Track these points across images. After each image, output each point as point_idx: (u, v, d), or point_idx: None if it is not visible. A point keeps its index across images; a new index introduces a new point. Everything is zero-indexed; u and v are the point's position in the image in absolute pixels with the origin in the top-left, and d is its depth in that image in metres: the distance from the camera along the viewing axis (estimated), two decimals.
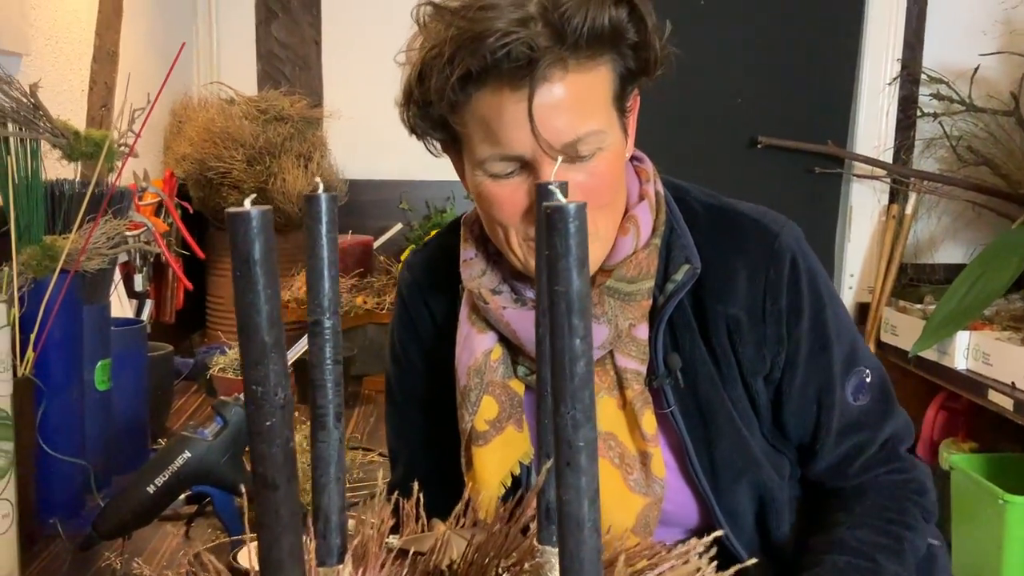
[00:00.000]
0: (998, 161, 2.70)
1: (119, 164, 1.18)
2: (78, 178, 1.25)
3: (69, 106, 1.67)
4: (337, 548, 0.62)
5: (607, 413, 0.96)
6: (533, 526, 0.64)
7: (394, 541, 0.69)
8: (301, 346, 1.26)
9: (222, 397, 1.16)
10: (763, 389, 0.98)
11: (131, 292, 1.83)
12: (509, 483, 0.98)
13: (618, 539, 0.71)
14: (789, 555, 1.00)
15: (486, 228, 0.96)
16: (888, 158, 2.84)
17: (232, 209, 0.43)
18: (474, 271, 0.99)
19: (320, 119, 2.54)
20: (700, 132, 2.82)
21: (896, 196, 2.86)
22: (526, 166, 0.87)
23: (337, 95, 2.63)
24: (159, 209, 1.97)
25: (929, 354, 2.41)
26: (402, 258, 1.89)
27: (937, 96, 2.77)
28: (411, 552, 0.66)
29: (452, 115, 0.88)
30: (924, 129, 2.85)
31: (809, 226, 3.17)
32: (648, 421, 0.95)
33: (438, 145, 0.95)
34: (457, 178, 0.97)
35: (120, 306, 1.72)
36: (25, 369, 1.10)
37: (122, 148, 1.16)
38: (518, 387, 0.99)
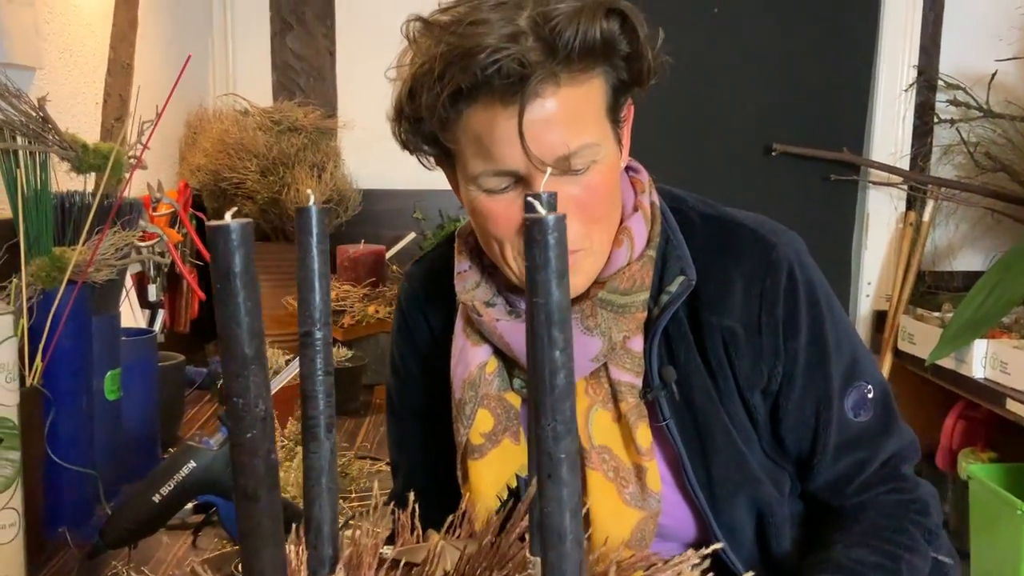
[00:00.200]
0: (1016, 167, 2.68)
1: (127, 176, 1.19)
2: (90, 190, 1.27)
3: (83, 119, 1.69)
4: (329, 559, 0.63)
5: (601, 426, 0.95)
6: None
7: (388, 551, 0.69)
8: (294, 368, 1.27)
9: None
10: (761, 403, 0.97)
11: (145, 302, 1.84)
12: (505, 496, 0.97)
13: (613, 551, 0.71)
14: (790, 572, 0.98)
15: (481, 241, 0.95)
16: (905, 165, 2.82)
17: (212, 222, 0.44)
18: (468, 283, 0.99)
19: (334, 129, 2.56)
20: (715, 140, 2.81)
21: (913, 203, 2.84)
22: (520, 181, 0.86)
23: (351, 105, 2.65)
24: (173, 220, 1.98)
25: (946, 362, 2.39)
26: None
27: (954, 102, 2.75)
28: (402, 563, 0.66)
29: (443, 132, 0.87)
30: (941, 135, 2.83)
31: (826, 234, 3.15)
32: (643, 434, 0.94)
33: (431, 159, 0.95)
34: None
35: (133, 316, 1.73)
36: (33, 379, 1.11)
37: (130, 160, 1.17)
38: (514, 400, 0.99)
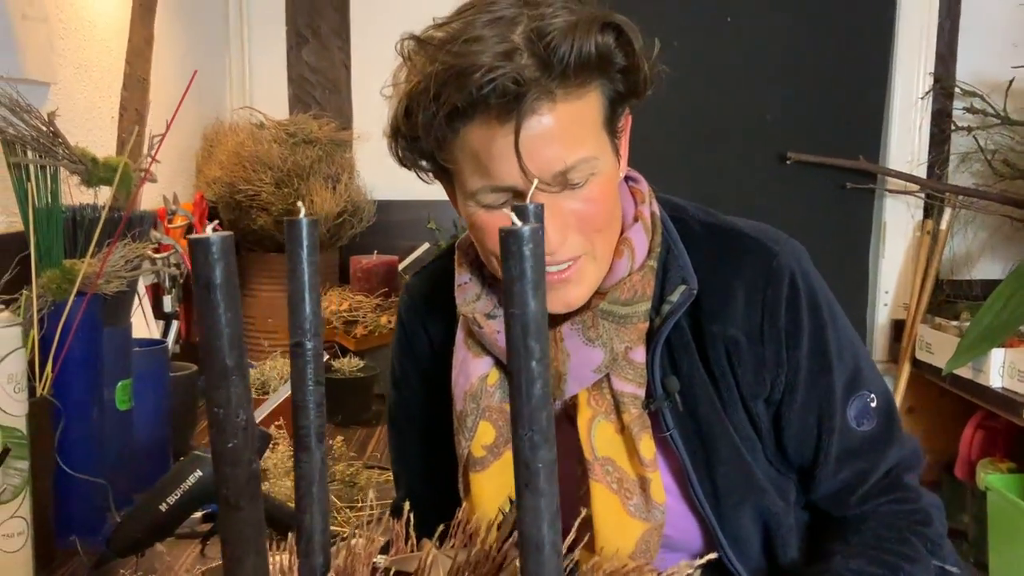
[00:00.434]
0: None
1: (136, 189, 1.21)
2: (103, 203, 1.29)
3: (98, 133, 1.72)
4: (320, 567, 0.63)
5: (604, 437, 0.95)
6: None
7: (382, 560, 0.70)
8: (286, 391, 1.27)
9: None
10: (764, 412, 0.96)
11: (160, 313, 1.87)
12: (508, 508, 0.96)
13: (607, 561, 0.71)
14: None
15: (481, 255, 0.95)
16: (922, 173, 2.80)
17: (193, 236, 0.45)
18: (468, 295, 0.99)
19: (349, 141, 2.58)
20: (729, 149, 2.80)
21: (931, 211, 2.82)
22: (519, 195, 0.86)
23: (366, 117, 2.67)
24: (189, 231, 2.01)
25: (964, 372, 2.36)
26: None
27: (971, 109, 2.73)
28: (393, 572, 0.67)
29: (440, 152, 0.87)
30: (959, 143, 2.81)
31: (842, 243, 3.12)
32: (646, 445, 0.94)
33: (430, 173, 0.95)
34: None
35: (147, 327, 1.75)
36: (43, 389, 1.13)
37: (139, 173, 1.19)
38: None
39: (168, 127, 1.17)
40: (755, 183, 2.81)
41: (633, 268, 0.94)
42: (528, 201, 0.60)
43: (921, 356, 2.62)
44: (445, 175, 0.93)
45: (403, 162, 0.92)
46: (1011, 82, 2.67)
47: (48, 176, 1.15)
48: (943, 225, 2.75)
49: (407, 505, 0.72)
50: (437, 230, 2.67)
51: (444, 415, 1.02)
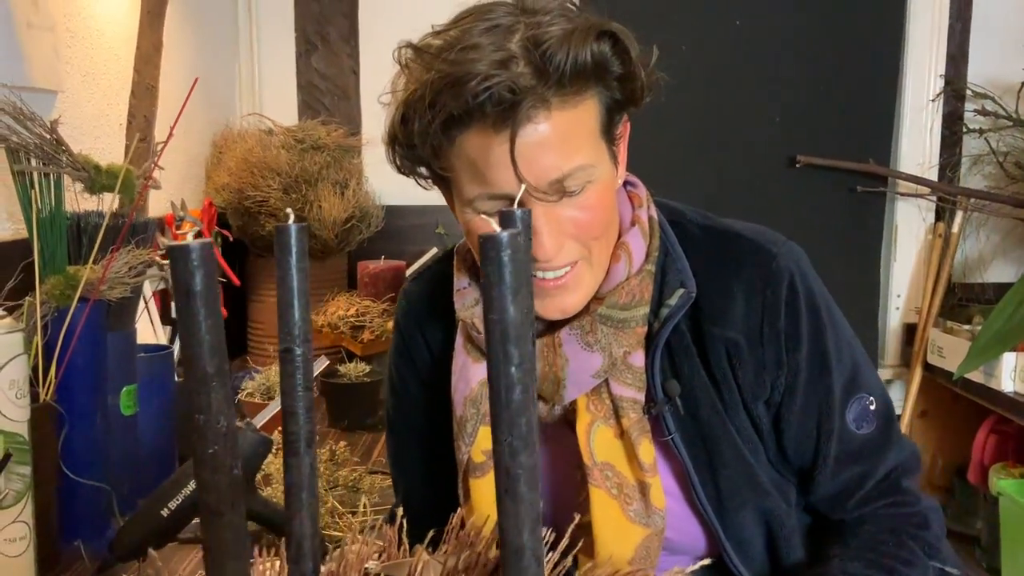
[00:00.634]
0: None
1: (139, 195, 1.22)
2: (108, 210, 1.29)
3: (107, 140, 1.73)
4: (309, 573, 0.63)
5: (604, 442, 0.95)
6: None
7: (373, 565, 0.70)
8: (275, 407, 1.28)
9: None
10: (764, 414, 0.96)
11: (167, 318, 1.87)
12: None
13: (601, 566, 0.71)
14: None
15: (479, 261, 0.96)
16: (933, 175, 2.78)
17: (171, 243, 0.45)
18: (468, 300, 0.99)
19: (358, 147, 2.59)
20: (738, 152, 2.79)
21: (942, 214, 2.80)
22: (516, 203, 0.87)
23: (375, 123, 2.67)
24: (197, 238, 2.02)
25: (976, 376, 2.34)
26: None
27: (983, 112, 2.71)
28: None
29: (436, 160, 0.88)
30: (970, 145, 2.79)
31: (853, 246, 3.10)
32: (646, 450, 0.93)
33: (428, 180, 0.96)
34: None
35: (154, 333, 1.76)
36: (46, 395, 1.13)
37: (141, 180, 1.19)
38: None
39: (170, 134, 1.18)
40: (764, 186, 2.79)
41: (631, 272, 0.94)
42: (515, 206, 0.60)
43: (933, 360, 2.60)
44: (443, 182, 0.93)
45: (401, 169, 0.93)
46: (1023, 84, 2.65)
47: (51, 183, 1.16)
48: (955, 228, 2.73)
49: (400, 511, 0.72)
50: (446, 235, 2.67)
51: (443, 421, 1.02)
